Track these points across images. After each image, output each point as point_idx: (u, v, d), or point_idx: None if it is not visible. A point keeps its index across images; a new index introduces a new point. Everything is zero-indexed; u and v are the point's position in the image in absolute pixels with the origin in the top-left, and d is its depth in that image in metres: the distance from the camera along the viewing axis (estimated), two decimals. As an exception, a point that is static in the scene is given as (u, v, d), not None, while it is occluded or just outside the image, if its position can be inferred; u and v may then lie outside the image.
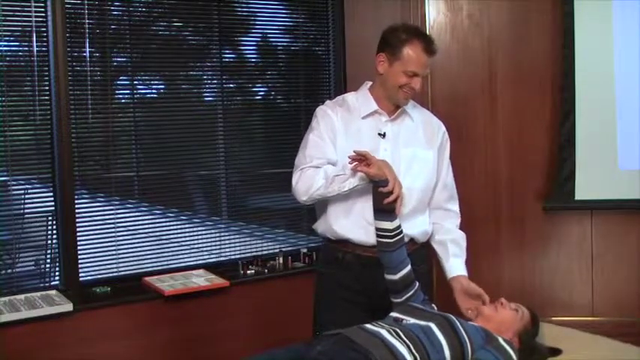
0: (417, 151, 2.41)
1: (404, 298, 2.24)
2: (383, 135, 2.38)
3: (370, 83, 2.47)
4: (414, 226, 2.40)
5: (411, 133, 2.42)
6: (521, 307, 2.27)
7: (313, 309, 2.51)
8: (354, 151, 2.21)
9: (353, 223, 2.36)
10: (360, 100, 2.44)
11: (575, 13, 3.52)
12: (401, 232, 2.27)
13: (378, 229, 2.27)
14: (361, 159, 2.20)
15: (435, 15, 3.71)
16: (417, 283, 2.28)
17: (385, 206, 2.22)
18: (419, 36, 2.33)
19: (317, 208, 2.48)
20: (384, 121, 2.40)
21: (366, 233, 2.33)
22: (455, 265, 2.46)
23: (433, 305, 2.29)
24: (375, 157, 2.21)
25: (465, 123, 3.70)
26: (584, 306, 3.67)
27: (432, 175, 2.46)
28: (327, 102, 2.50)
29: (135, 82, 3.30)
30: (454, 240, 2.49)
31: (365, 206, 2.31)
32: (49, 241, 3.13)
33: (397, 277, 2.24)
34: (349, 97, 2.49)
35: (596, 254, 3.66)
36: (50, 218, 3.10)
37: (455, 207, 2.57)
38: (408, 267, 2.26)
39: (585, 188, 3.57)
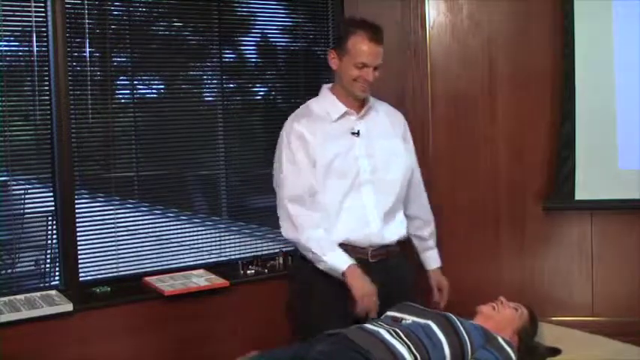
0: (391, 142, 2.46)
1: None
2: (357, 133, 2.40)
3: (329, 85, 2.50)
4: (393, 229, 2.44)
5: (382, 126, 2.47)
6: (520, 306, 2.28)
7: (299, 309, 2.53)
8: None
9: (347, 225, 2.37)
10: (326, 104, 2.46)
11: (575, 13, 3.52)
12: None
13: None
14: None
15: (435, 15, 3.71)
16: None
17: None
18: (362, 27, 2.35)
19: None
20: (355, 119, 2.43)
21: (358, 235, 2.34)
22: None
23: None
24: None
25: (465, 123, 3.70)
26: (584, 306, 3.66)
27: (408, 163, 2.51)
28: (292, 115, 2.52)
29: (135, 82, 3.29)
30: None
31: (356, 206, 2.32)
32: (49, 241, 3.13)
33: None
34: (312, 104, 2.52)
35: (596, 254, 3.66)
36: (50, 218, 3.10)
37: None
38: None
39: (585, 188, 3.57)
